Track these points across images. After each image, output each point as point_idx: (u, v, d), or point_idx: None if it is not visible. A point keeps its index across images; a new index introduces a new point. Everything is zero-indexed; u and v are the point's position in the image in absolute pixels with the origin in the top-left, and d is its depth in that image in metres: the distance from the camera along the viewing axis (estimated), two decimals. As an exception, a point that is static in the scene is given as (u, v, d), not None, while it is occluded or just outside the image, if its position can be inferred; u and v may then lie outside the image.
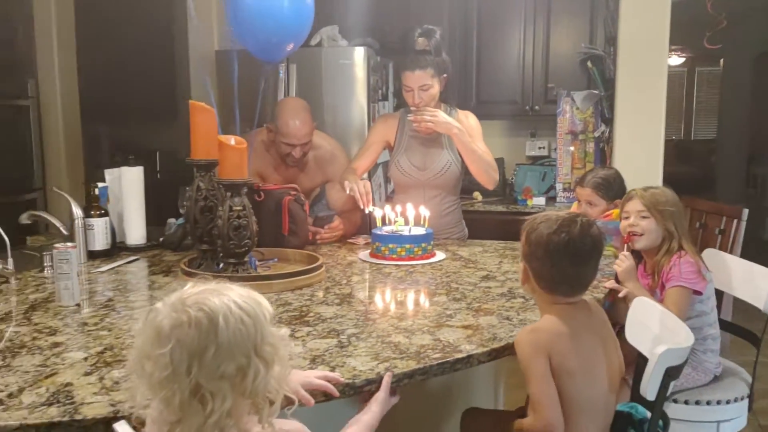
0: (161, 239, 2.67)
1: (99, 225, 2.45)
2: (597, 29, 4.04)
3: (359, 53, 3.73)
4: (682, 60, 10.82)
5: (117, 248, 2.57)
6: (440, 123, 2.63)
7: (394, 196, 3.06)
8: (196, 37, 4.23)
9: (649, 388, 1.42)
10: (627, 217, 2.15)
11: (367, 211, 2.59)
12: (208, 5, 4.12)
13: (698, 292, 2.03)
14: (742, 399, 2.11)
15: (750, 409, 2.14)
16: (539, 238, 1.49)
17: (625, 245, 2.12)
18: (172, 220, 2.76)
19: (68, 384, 1.30)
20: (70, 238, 2.37)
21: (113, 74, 5.06)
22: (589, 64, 3.98)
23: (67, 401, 1.22)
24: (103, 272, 2.27)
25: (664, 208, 2.09)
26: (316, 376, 1.31)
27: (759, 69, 8.46)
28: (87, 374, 1.35)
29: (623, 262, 2.07)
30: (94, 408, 1.19)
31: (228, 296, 1.03)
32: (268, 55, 2.34)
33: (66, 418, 1.16)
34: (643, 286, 2.12)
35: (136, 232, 2.63)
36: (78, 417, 1.16)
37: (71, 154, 4.53)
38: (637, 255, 2.20)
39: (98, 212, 2.47)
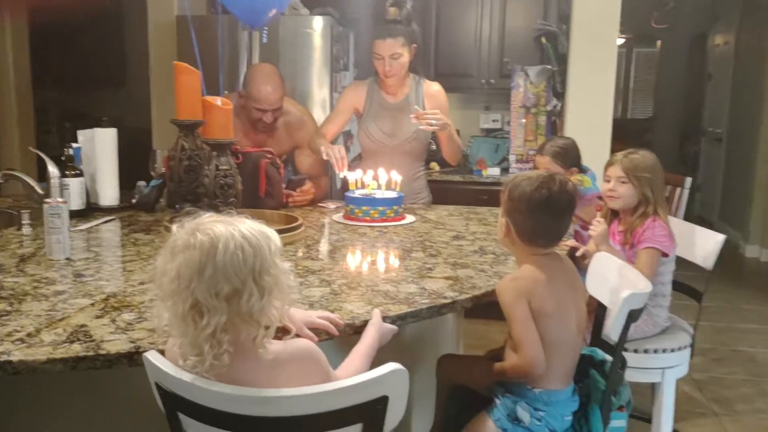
0: (133, 200, 2.70)
1: (74, 185, 2.47)
2: (551, 6, 4.21)
3: (320, 22, 3.78)
4: (622, 41, 11.17)
5: (91, 209, 2.59)
6: (441, 124, 2.70)
7: (359, 162, 3.16)
8: (155, 3, 4.18)
9: (614, 329, 1.59)
10: (608, 181, 2.31)
11: (341, 176, 2.68)
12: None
13: (666, 254, 2.23)
14: (684, 348, 2.32)
15: (692, 356, 2.36)
16: (522, 194, 1.63)
17: (597, 212, 2.27)
18: (141, 183, 2.79)
19: (83, 325, 1.37)
20: (45, 197, 2.37)
21: (63, 41, 4.98)
22: (543, 39, 4.15)
23: (88, 339, 1.30)
24: (81, 231, 2.30)
25: (642, 175, 2.26)
26: (318, 316, 1.42)
27: (694, 50, 8.86)
28: (98, 317, 1.42)
29: (597, 226, 2.22)
30: (116, 344, 1.27)
31: (236, 226, 1.14)
32: (251, 20, 2.39)
33: (91, 353, 1.23)
34: (615, 242, 2.29)
35: (109, 193, 2.65)
36: (102, 352, 1.24)
37: (23, 120, 4.45)
38: (614, 212, 2.38)
39: (73, 172, 2.48)
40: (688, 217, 5.71)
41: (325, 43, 3.79)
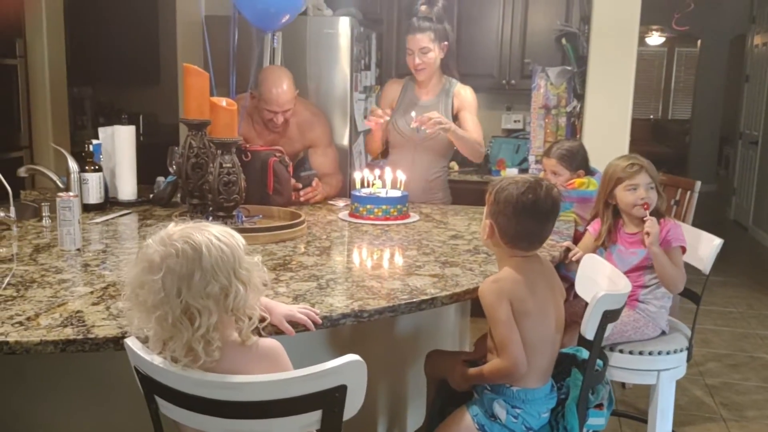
0: (151, 195, 2.82)
1: (93, 180, 2.60)
2: (573, 7, 4.19)
3: (344, 23, 3.85)
4: (662, 40, 10.99)
5: (109, 203, 2.72)
6: (443, 125, 2.78)
7: (379, 162, 3.26)
8: (184, 2, 4.32)
9: (588, 328, 1.62)
10: (635, 189, 2.26)
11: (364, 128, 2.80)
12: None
13: (684, 251, 2.26)
14: (681, 351, 2.33)
15: (689, 359, 2.37)
16: (509, 197, 1.66)
17: (647, 211, 2.22)
18: (161, 178, 2.90)
19: (79, 311, 1.47)
20: (65, 191, 2.51)
21: (99, 37, 5.16)
22: (563, 41, 4.15)
23: (80, 324, 1.40)
24: (97, 223, 2.43)
25: (659, 178, 2.30)
26: (299, 310, 1.50)
27: (734, 51, 8.68)
28: (95, 304, 1.53)
29: (653, 226, 2.17)
30: (105, 329, 1.37)
31: (208, 231, 1.24)
32: (264, 24, 2.49)
33: (80, 337, 1.33)
34: (625, 244, 2.31)
35: (127, 188, 2.78)
36: (91, 336, 1.34)
37: (57, 115, 4.63)
38: (615, 214, 2.38)
39: (92, 168, 2.61)
40: (722, 221, 5.64)
41: (347, 44, 3.86)
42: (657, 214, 2.28)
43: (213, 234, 1.22)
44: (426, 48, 2.91)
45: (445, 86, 3.06)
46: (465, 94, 3.03)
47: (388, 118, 2.92)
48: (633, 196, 2.29)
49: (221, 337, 1.23)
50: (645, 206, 2.24)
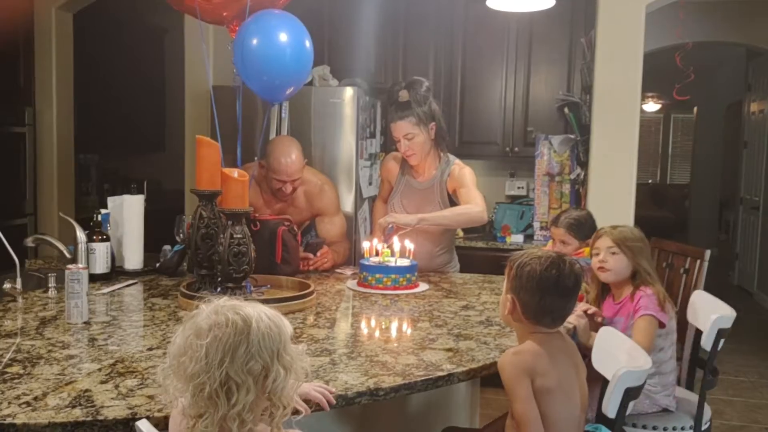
0: (157, 264, 2.80)
1: (100, 249, 2.58)
2: (574, 78, 4.29)
3: (349, 93, 3.92)
4: (658, 107, 11.19)
5: (116, 272, 2.69)
6: (400, 222, 2.77)
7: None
8: (192, 73, 4.40)
9: (610, 406, 1.58)
10: (597, 254, 2.32)
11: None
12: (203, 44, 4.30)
13: (662, 324, 2.20)
14: (690, 428, 2.26)
15: (707, 433, 2.30)
16: (532, 273, 1.64)
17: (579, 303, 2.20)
18: (167, 247, 2.88)
19: (87, 390, 1.43)
20: (72, 261, 2.49)
21: (107, 105, 5.25)
22: (566, 110, 4.22)
23: (88, 404, 1.36)
24: (104, 294, 2.40)
25: (633, 244, 2.27)
26: (314, 388, 1.46)
27: (730, 117, 8.82)
28: (103, 382, 1.49)
29: (577, 320, 2.15)
30: (114, 410, 1.33)
31: (260, 308, 1.21)
32: (270, 96, 2.53)
33: (89, 418, 1.29)
34: (610, 316, 2.28)
35: (134, 258, 2.76)
36: (100, 417, 1.30)
37: (63, 182, 4.65)
38: (606, 287, 2.37)
39: (100, 237, 2.59)
40: (726, 286, 5.56)
41: (352, 113, 3.92)
42: (628, 283, 2.28)
43: (264, 312, 1.20)
44: (410, 134, 2.81)
45: (440, 166, 2.94)
46: (458, 174, 2.89)
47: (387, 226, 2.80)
48: (595, 260, 2.32)
49: (253, 420, 1.17)
50: (580, 296, 2.21)
